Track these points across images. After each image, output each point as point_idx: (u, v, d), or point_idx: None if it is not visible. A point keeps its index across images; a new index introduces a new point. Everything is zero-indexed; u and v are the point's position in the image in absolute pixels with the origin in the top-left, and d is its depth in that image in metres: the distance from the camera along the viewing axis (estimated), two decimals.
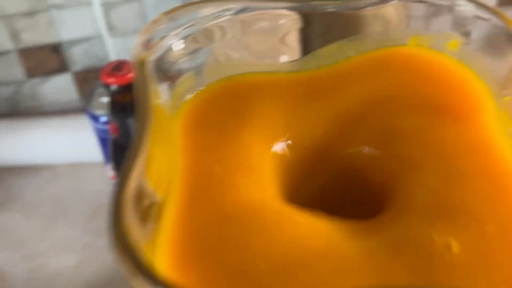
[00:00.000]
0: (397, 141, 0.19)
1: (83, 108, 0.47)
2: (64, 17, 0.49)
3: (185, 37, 0.21)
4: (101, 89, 0.43)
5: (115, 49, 0.52)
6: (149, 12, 0.49)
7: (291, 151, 0.20)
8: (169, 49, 0.20)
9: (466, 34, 0.21)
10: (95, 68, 0.51)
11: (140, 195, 0.16)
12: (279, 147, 0.20)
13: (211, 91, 0.21)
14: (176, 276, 0.16)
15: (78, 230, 0.47)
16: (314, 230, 0.17)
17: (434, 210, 0.17)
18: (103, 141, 0.45)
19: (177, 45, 0.20)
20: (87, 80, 0.52)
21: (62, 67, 0.52)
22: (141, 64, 0.18)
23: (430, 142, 0.19)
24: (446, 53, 0.21)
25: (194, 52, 0.21)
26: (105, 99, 0.42)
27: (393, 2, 0.22)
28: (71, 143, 0.51)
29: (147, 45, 0.19)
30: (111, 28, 0.50)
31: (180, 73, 0.21)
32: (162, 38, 0.20)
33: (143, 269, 0.13)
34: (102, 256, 0.45)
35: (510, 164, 0.18)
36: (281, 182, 0.19)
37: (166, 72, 0.20)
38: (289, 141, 0.20)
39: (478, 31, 0.21)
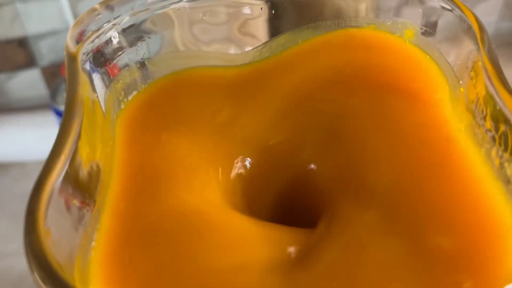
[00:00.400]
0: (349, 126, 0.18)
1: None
2: (30, 10, 0.48)
3: (126, 28, 0.20)
4: (65, 85, 0.42)
5: None
6: None
7: (232, 154, 0.19)
8: (108, 40, 0.19)
9: (433, 25, 0.20)
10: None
11: (66, 196, 0.15)
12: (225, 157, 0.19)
13: (155, 88, 0.20)
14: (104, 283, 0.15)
15: None
16: (252, 237, 0.16)
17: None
18: None
19: (117, 36, 0.19)
20: (56, 75, 0.51)
21: (29, 62, 0.51)
22: (71, 57, 0.17)
23: (383, 122, 0.18)
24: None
25: (136, 43, 0.20)
26: None
27: None
28: (40, 140, 0.49)
29: (81, 36, 0.18)
30: None
31: (120, 66, 0.20)
32: (99, 28, 0.19)
33: (51, 279, 0.12)
34: None
35: (468, 159, 0.17)
36: (220, 185, 0.18)
37: (105, 65, 0.19)
38: (228, 144, 0.19)
39: (442, 21, 0.20)
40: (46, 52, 0.50)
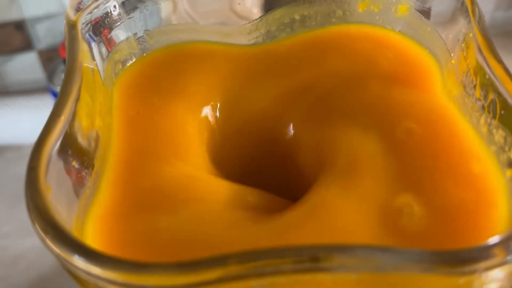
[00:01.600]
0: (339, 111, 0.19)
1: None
2: None
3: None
4: (62, 66, 0.42)
5: None
6: None
7: (224, 124, 0.20)
8: (107, 10, 0.19)
9: (427, 0, 0.21)
10: None
11: (66, 157, 0.16)
12: (212, 121, 0.19)
13: (150, 59, 0.20)
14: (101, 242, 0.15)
15: None
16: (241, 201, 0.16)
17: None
18: None
19: (115, 6, 0.20)
20: (53, 58, 0.51)
21: (26, 45, 0.51)
22: (71, 25, 0.18)
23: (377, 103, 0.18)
24: (394, 20, 0.21)
25: (134, 15, 0.20)
26: None
27: None
28: (36, 123, 0.49)
29: (79, 6, 0.18)
30: None
31: (118, 38, 0.20)
32: None
33: (52, 229, 0.12)
34: None
35: (460, 128, 0.17)
36: (211, 155, 0.19)
37: (102, 36, 0.19)
38: (220, 114, 0.20)
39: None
40: (43, 35, 0.50)
